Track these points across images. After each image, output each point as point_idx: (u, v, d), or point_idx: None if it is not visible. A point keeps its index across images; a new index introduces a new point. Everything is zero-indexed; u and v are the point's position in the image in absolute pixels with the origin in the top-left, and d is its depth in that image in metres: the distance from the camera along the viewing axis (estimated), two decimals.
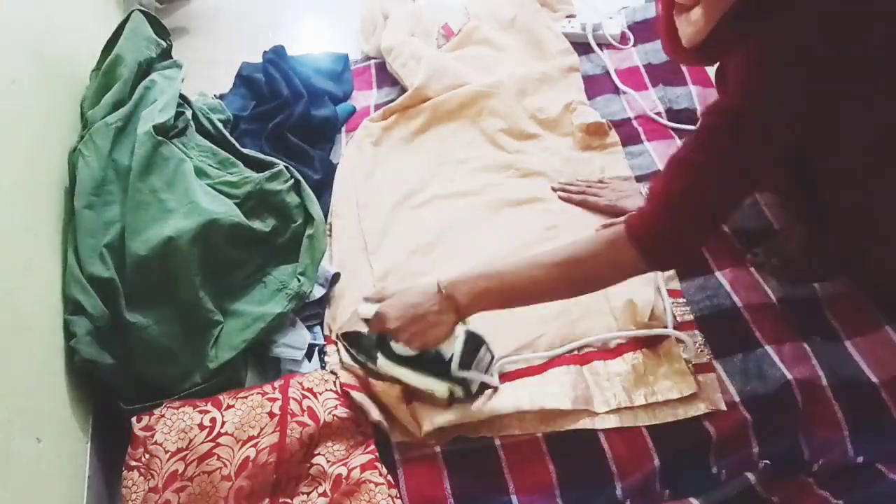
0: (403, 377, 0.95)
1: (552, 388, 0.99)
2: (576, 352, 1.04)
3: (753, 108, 0.78)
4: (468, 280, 0.91)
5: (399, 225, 1.24)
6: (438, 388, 0.94)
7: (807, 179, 0.90)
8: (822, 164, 0.87)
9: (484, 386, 0.98)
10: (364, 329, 0.97)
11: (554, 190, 1.27)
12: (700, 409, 0.96)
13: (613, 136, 1.33)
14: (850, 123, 0.81)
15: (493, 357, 0.99)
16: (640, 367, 1.01)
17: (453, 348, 0.93)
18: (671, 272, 1.11)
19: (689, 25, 0.82)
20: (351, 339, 0.99)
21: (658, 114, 1.36)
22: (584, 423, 0.97)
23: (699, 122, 0.86)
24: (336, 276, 1.13)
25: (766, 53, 0.76)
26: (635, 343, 1.04)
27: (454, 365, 0.92)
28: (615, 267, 0.88)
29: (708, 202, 0.83)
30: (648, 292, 1.07)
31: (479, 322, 0.95)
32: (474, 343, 0.95)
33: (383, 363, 0.94)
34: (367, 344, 0.97)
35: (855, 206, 0.90)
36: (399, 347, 0.92)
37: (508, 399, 0.98)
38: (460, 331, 0.94)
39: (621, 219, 0.89)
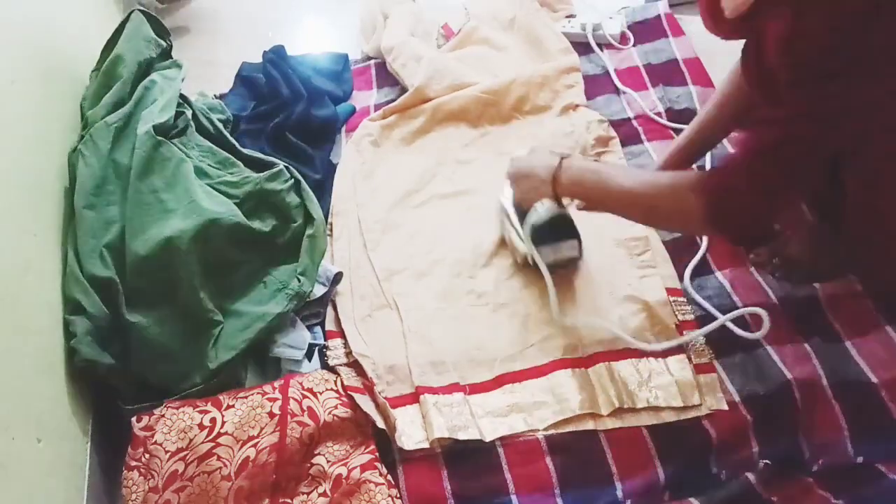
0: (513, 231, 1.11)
1: (558, 391, 1.00)
2: (580, 354, 1.04)
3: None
4: (580, 166, 0.98)
5: (399, 224, 1.24)
6: (521, 248, 1.09)
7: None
8: (853, 160, 0.84)
9: (556, 265, 1.08)
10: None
11: None
12: (701, 409, 0.96)
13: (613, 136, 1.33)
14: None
15: (578, 255, 1.09)
16: (644, 371, 1.01)
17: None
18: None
19: None
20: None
21: (658, 114, 1.36)
22: (587, 425, 0.97)
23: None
24: (338, 276, 1.12)
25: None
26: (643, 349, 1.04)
27: (524, 230, 1.05)
28: (678, 216, 0.92)
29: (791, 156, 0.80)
30: (662, 297, 1.08)
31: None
32: (563, 228, 1.05)
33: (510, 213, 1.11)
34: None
35: (872, 205, 0.88)
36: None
37: (517, 420, 0.98)
38: (551, 210, 1.03)
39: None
